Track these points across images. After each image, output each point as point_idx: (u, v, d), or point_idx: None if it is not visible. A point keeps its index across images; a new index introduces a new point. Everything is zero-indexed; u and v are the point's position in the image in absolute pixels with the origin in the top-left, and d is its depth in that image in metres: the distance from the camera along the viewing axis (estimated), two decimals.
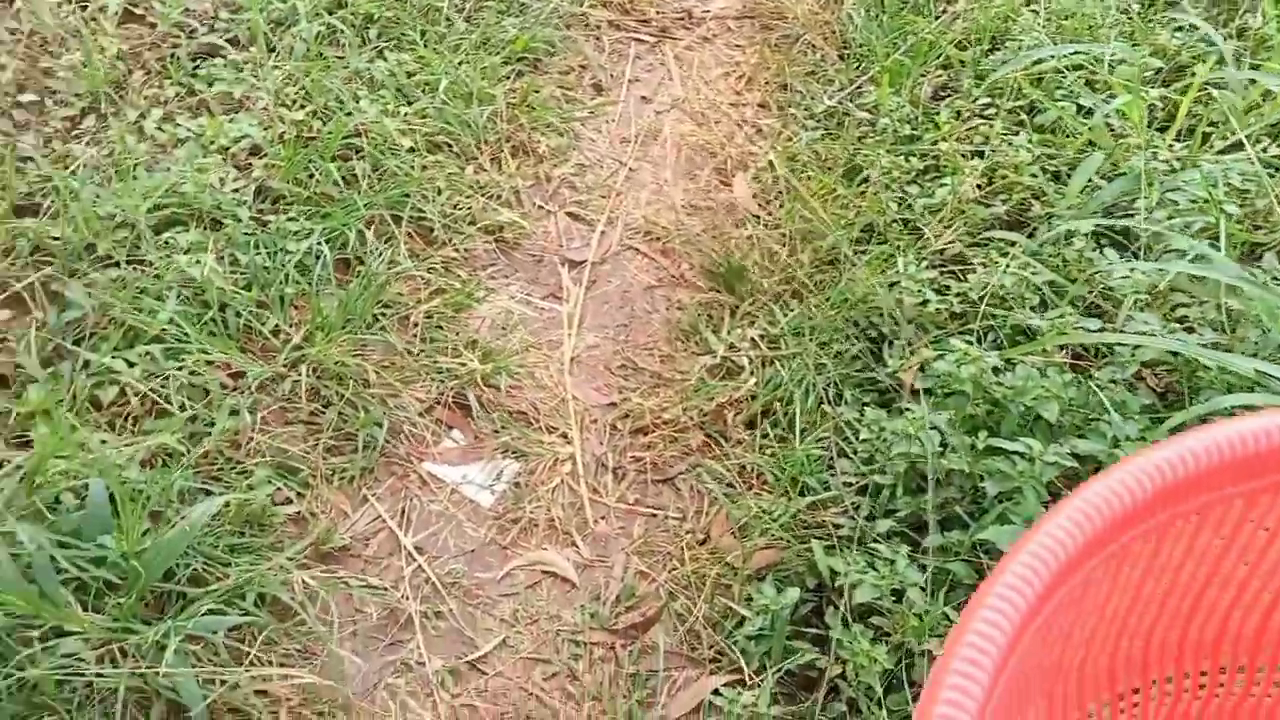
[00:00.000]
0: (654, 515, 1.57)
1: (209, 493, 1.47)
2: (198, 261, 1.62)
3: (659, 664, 1.39)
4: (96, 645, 1.28)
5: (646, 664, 1.40)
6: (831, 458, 1.55)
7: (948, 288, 1.75)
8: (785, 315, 1.75)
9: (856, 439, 1.55)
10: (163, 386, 1.53)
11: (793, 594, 1.37)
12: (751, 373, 1.69)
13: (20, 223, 1.71)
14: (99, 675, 1.26)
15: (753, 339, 1.74)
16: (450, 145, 2.01)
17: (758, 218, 1.99)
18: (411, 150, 1.96)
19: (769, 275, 1.85)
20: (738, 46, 2.45)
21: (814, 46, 2.39)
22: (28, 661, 1.22)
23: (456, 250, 1.87)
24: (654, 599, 1.47)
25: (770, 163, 2.09)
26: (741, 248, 1.90)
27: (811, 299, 1.78)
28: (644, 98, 2.28)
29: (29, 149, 1.84)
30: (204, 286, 1.63)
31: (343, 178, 1.89)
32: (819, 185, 1.98)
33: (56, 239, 1.70)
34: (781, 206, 2.00)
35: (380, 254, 1.79)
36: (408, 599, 1.44)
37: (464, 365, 1.68)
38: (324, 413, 1.60)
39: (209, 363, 1.57)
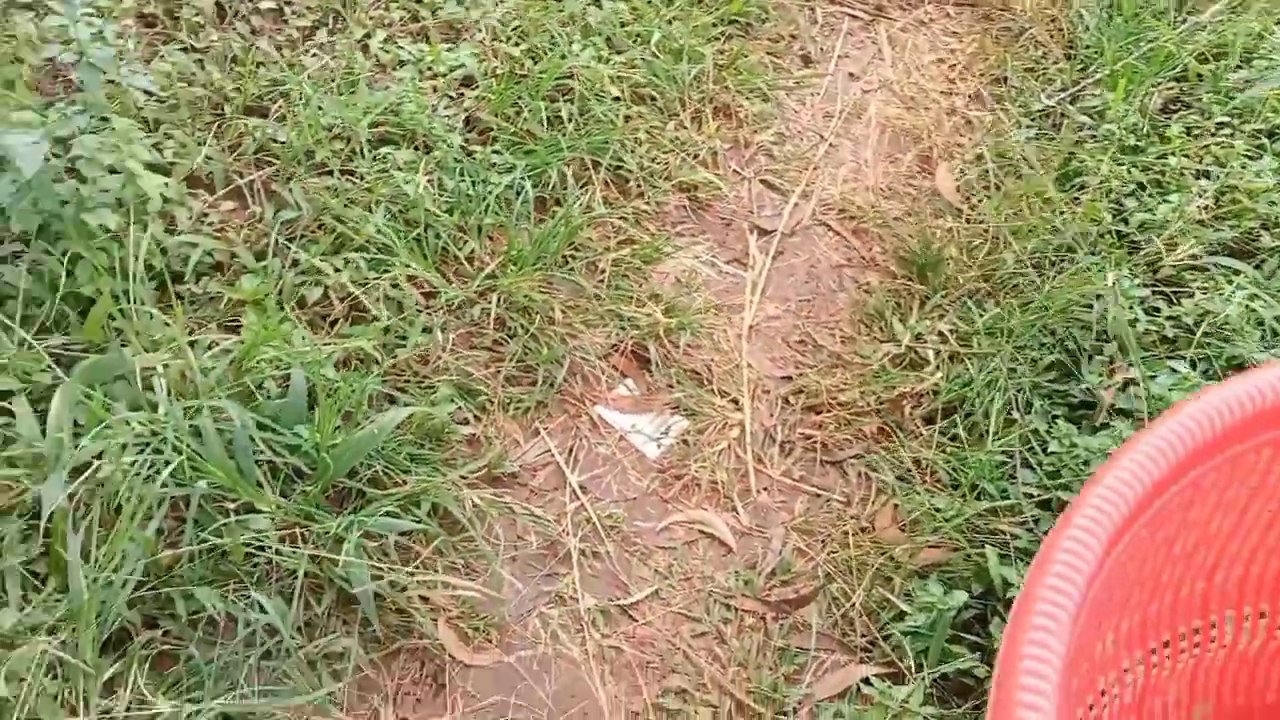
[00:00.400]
0: (818, 495, 1.55)
1: (393, 401, 1.53)
2: (410, 180, 1.68)
3: (810, 643, 1.38)
4: (280, 526, 1.35)
5: (796, 640, 1.39)
6: (1014, 466, 1.50)
7: (1158, 309, 1.66)
8: (980, 314, 1.69)
9: (1043, 450, 1.49)
10: (364, 294, 1.59)
11: (959, 596, 1.33)
12: (937, 367, 1.64)
13: (249, 122, 1.80)
14: (278, 554, 1.33)
15: (941, 333, 1.69)
16: (654, 99, 2.02)
17: (959, 210, 1.93)
18: (617, 99, 1.97)
19: (965, 270, 1.79)
20: (954, 34, 2.37)
21: (1038, 42, 2.28)
22: (223, 530, 1.30)
23: (649, 203, 1.88)
24: (810, 578, 1.45)
25: (979, 156, 2.02)
26: (939, 238, 1.84)
27: (1009, 301, 1.72)
28: (852, 74, 2.23)
29: (263, 54, 1.94)
30: (412, 205, 1.68)
31: (547, 118, 1.92)
32: (1029, 186, 1.90)
33: (280, 142, 1.79)
34: (985, 202, 1.93)
35: (577, 198, 1.81)
36: (568, 535, 1.47)
37: (646, 316, 1.69)
38: (508, 343, 1.64)
39: (410, 278, 1.63)
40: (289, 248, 1.65)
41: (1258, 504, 0.83)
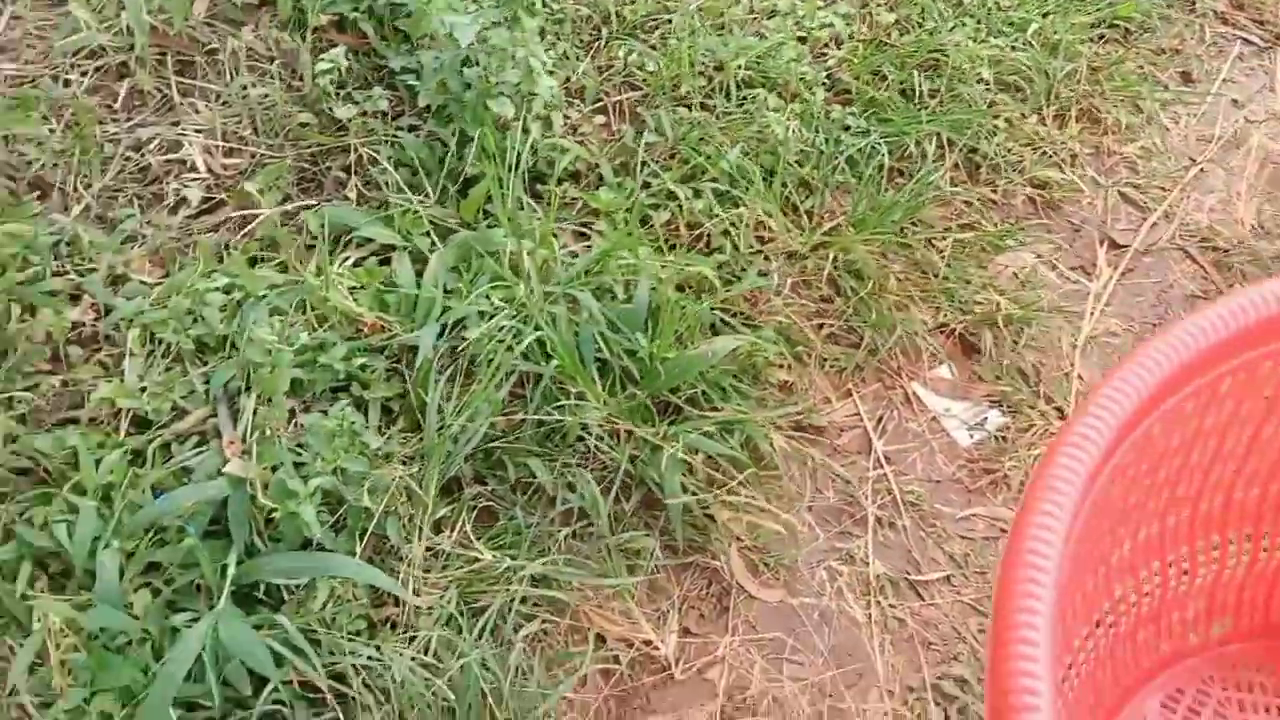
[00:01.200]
0: None
1: (717, 331, 1.58)
2: (780, 122, 1.72)
3: None
4: (603, 422, 1.43)
5: None
6: None
7: None
8: None
9: None
10: (711, 225, 1.65)
11: None
12: None
13: (625, 45, 1.90)
14: (600, 444, 1.41)
15: None
16: (1020, 90, 1.96)
17: None
18: (981, 82, 1.93)
19: None
20: None
21: None
22: (560, 410, 1.40)
23: (996, 192, 1.84)
24: None
25: None
26: None
27: None
28: (1235, 101, 2.08)
29: None
30: (769, 150, 1.73)
31: (903, 90, 1.91)
32: None
33: (650, 70, 1.88)
34: None
35: (927, 173, 1.79)
36: (867, 499, 1.48)
37: (981, 305, 1.66)
38: (834, 300, 1.66)
39: (755, 220, 1.67)
40: (642, 170, 1.74)
41: (1274, 420, 0.83)
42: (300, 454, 1.30)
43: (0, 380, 1.40)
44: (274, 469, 1.27)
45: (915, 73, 1.88)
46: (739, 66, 1.84)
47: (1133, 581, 0.89)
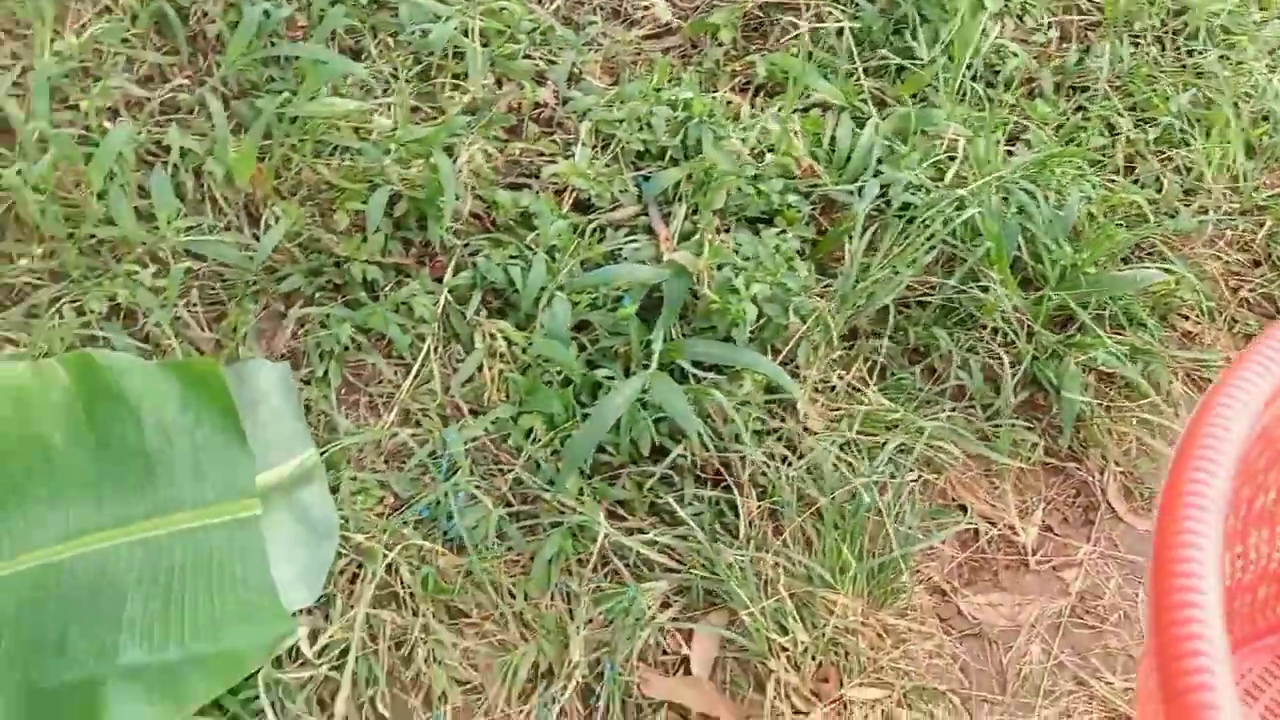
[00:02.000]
0: None
1: (1127, 262, 1.61)
2: (1256, 76, 1.71)
3: None
4: (1009, 313, 1.50)
5: None
6: None
7: None
8: None
9: None
10: (1149, 160, 1.67)
11: None
12: None
13: None
14: (998, 333, 1.48)
15: None
16: None
17: None
18: None
19: None
20: None
21: None
22: (975, 290, 1.48)
23: None
24: None
25: None
26: None
27: None
28: None
29: None
30: (1228, 100, 1.72)
31: None
32: None
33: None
34: None
35: None
36: None
37: None
38: (1259, 266, 1.65)
39: (1196, 170, 1.68)
40: (1086, 91, 1.77)
41: None
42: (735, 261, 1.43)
43: (477, 131, 1.61)
44: (718, 267, 1.41)
45: None
46: (1209, 15, 1.83)
47: (1267, 533, 0.89)
